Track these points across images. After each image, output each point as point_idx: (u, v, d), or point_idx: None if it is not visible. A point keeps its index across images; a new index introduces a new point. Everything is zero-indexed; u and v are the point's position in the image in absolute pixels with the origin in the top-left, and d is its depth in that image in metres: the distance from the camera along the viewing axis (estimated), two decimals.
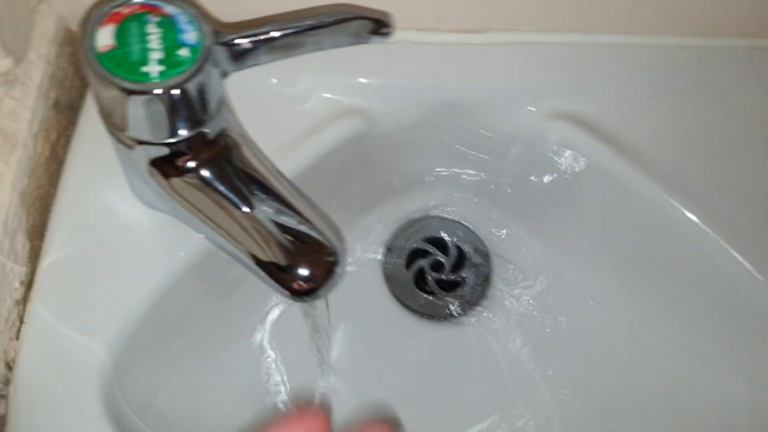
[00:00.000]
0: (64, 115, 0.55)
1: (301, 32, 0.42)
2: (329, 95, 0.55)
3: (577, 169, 0.57)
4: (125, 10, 0.40)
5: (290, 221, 0.42)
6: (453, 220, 0.66)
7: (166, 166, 0.43)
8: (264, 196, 0.43)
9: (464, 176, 0.64)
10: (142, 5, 0.40)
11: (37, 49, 0.50)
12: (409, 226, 0.66)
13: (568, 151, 0.57)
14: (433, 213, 0.66)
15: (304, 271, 0.41)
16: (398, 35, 0.53)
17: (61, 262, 0.48)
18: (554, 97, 0.57)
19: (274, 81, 0.54)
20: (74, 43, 0.56)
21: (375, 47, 0.53)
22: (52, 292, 0.47)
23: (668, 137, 0.57)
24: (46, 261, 0.48)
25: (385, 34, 0.44)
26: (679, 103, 0.58)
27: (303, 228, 0.42)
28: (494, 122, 0.58)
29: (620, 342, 0.59)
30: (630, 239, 0.58)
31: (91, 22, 0.39)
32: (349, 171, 0.58)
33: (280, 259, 0.41)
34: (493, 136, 0.59)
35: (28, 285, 0.48)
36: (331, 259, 0.41)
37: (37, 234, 0.50)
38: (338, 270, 0.41)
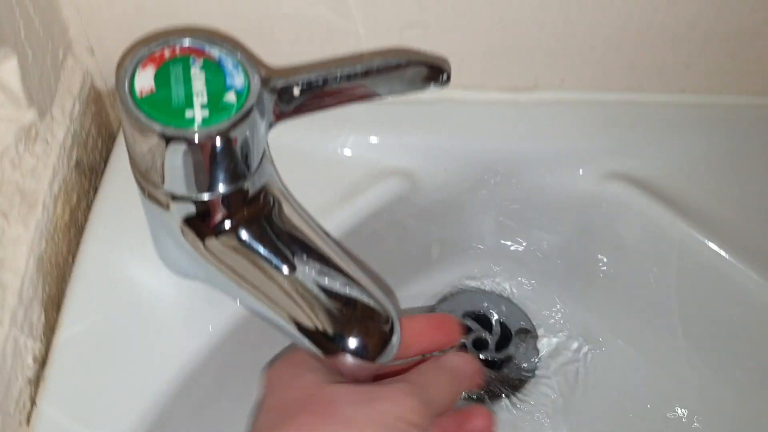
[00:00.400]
0: (85, 178, 0.51)
1: (353, 79, 0.38)
2: (371, 154, 0.52)
3: (633, 235, 0.53)
4: (167, 52, 0.36)
5: (338, 285, 0.38)
6: (496, 293, 0.61)
7: (202, 226, 0.39)
8: (308, 258, 0.39)
9: (509, 245, 0.60)
10: (186, 48, 0.37)
11: (61, 105, 0.47)
12: (449, 299, 0.61)
13: (623, 215, 0.53)
14: (474, 285, 0.61)
15: (354, 342, 0.36)
16: (443, 93, 0.50)
17: (77, 340, 0.43)
18: (606, 158, 0.54)
19: (314, 138, 0.51)
20: (99, 102, 0.53)
21: (419, 105, 0.50)
22: (66, 375, 0.42)
23: (725, 198, 0.53)
24: (61, 338, 0.43)
25: (444, 82, 0.40)
26: (734, 162, 0.55)
27: (352, 292, 0.38)
28: (543, 185, 0.55)
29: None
30: (693, 310, 0.53)
31: (130, 63, 0.36)
32: (387, 237, 0.54)
33: (328, 327, 0.37)
34: (541, 201, 0.55)
35: (42, 362, 0.43)
36: (384, 327, 0.37)
37: (52, 305, 0.45)
38: (394, 340, 0.37)
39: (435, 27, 0.48)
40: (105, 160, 0.54)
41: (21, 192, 0.43)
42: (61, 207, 0.47)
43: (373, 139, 0.52)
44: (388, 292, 0.54)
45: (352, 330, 0.36)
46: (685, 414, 0.54)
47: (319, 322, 0.37)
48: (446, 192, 0.54)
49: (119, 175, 0.49)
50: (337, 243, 0.40)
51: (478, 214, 0.57)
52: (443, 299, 0.61)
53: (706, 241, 0.50)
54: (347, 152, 0.52)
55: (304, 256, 0.39)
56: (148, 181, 0.38)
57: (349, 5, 0.46)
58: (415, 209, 0.54)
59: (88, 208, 0.51)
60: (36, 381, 0.42)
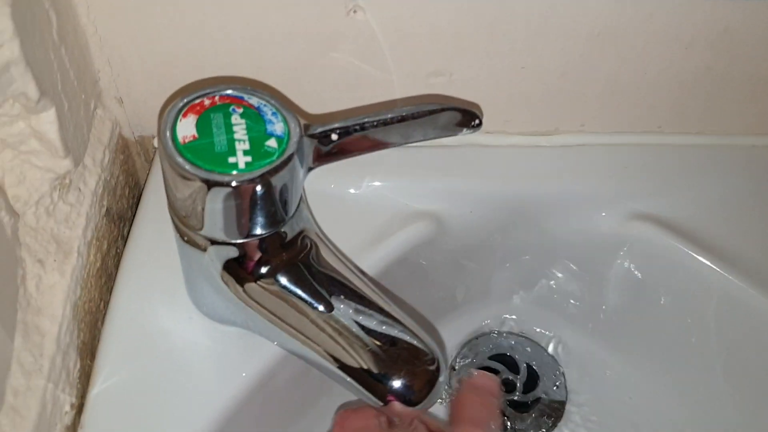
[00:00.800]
0: (114, 225, 0.51)
1: (389, 124, 0.39)
2: (398, 199, 0.52)
3: (659, 275, 0.54)
4: (207, 102, 0.37)
5: (381, 325, 0.38)
6: (521, 336, 0.61)
7: (241, 271, 0.40)
8: (349, 298, 0.39)
9: (533, 286, 0.60)
10: (225, 97, 0.38)
11: (92, 154, 0.48)
12: (474, 343, 0.61)
13: (649, 255, 0.53)
14: (499, 328, 0.62)
15: (399, 383, 0.37)
16: (467, 138, 0.51)
17: (113, 389, 0.43)
18: (628, 200, 0.54)
19: (342, 183, 0.51)
20: (126, 151, 0.54)
21: (444, 149, 0.51)
22: (102, 425, 0.42)
23: (747, 236, 0.53)
24: (97, 386, 0.43)
25: (475, 127, 0.41)
26: (754, 201, 0.55)
27: (396, 332, 0.38)
28: (566, 228, 0.55)
29: None
30: (725, 351, 0.53)
31: (171, 111, 0.36)
32: (414, 280, 0.54)
33: (373, 367, 0.37)
34: (566, 243, 0.56)
35: (79, 409, 0.43)
36: (430, 367, 0.37)
37: (87, 352, 0.45)
38: (440, 380, 0.37)
39: (459, 75, 0.50)
40: (132, 208, 0.55)
41: (56, 240, 0.44)
42: (93, 254, 0.47)
43: (400, 183, 0.53)
44: (431, 329, 0.54)
45: (398, 370, 0.36)
46: None
47: (364, 363, 0.37)
48: (472, 235, 0.55)
49: (149, 224, 0.49)
50: (376, 283, 0.40)
51: (503, 256, 0.58)
52: (467, 343, 0.61)
53: (734, 278, 0.50)
54: (375, 197, 0.52)
55: (345, 297, 0.39)
56: (187, 226, 0.38)
57: (385, 56, 0.47)
58: (442, 252, 0.54)
59: (117, 255, 0.51)
60: (73, 428, 0.42)
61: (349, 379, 0.38)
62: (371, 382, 0.37)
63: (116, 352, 0.44)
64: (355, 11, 0.45)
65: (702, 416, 0.55)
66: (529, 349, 0.61)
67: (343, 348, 0.38)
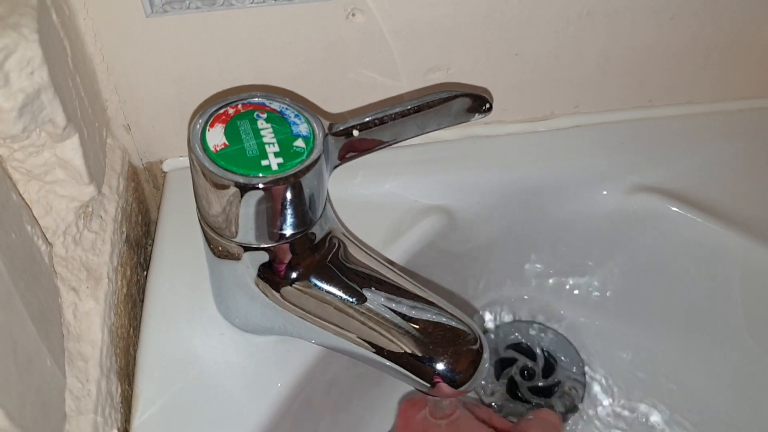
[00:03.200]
0: (134, 252, 0.52)
1: (406, 115, 0.40)
2: (407, 196, 0.53)
3: (667, 244, 0.55)
4: (231, 110, 0.38)
5: (420, 311, 0.39)
6: (539, 324, 0.62)
7: (275, 276, 0.40)
8: (384, 290, 0.40)
9: (546, 273, 0.61)
10: (248, 104, 0.39)
11: (108, 182, 0.48)
12: (491, 332, 0.62)
13: (654, 226, 0.55)
14: (511, 316, 0.63)
15: (445, 363, 0.37)
16: (466, 131, 0.52)
17: (154, 419, 0.43)
18: (627, 174, 0.56)
19: (351, 187, 0.52)
20: (136, 178, 0.54)
21: (444, 144, 0.53)
22: None
23: (746, 197, 0.55)
24: (138, 418, 0.43)
25: (486, 111, 0.43)
26: (746, 163, 0.57)
27: (435, 316, 0.39)
28: (571, 208, 0.57)
29: None
30: (745, 314, 0.55)
31: (198, 122, 0.37)
32: (430, 273, 0.55)
33: (416, 351, 0.38)
34: (573, 223, 0.57)
35: None
36: (473, 347, 0.38)
37: (124, 377, 0.46)
38: (485, 357, 0.38)
39: (456, 68, 0.51)
40: (145, 235, 0.55)
41: (86, 267, 0.44)
42: (120, 280, 0.47)
43: (408, 181, 0.54)
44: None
45: (442, 352, 0.37)
46: None
47: (407, 348, 0.38)
48: (481, 224, 0.56)
49: (168, 247, 0.50)
50: (408, 273, 0.41)
51: (512, 244, 0.59)
52: (484, 333, 0.62)
53: (744, 238, 0.52)
54: (385, 196, 0.53)
55: (380, 289, 0.40)
56: (221, 236, 0.39)
57: (388, 56, 0.48)
58: (454, 244, 0.55)
59: (138, 281, 0.52)
60: None
61: (395, 366, 0.38)
62: (417, 365, 0.38)
63: (153, 377, 0.44)
64: (353, 14, 0.46)
65: (727, 384, 0.56)
66: (543, 334, 0.62)
67: (386, 337, 0.38)
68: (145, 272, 0.53)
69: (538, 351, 0.62)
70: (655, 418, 0.57)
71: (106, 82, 0.48)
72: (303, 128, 0.38)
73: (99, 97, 0.48)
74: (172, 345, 0.46)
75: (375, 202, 0.53)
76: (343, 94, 0.50)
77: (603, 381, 0.60)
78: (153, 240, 0.52)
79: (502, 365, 0.61)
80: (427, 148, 0.55)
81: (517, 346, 0.62)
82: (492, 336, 0.62)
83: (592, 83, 0.54)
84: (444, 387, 0.37)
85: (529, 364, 0.61)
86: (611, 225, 0.56)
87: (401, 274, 0.41)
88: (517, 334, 0.62)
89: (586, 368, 0.60)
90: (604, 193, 0.56)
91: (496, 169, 0.56)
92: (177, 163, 0.54)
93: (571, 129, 0.56)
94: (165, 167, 0.54)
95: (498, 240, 0.58)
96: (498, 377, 0.60)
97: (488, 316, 0.62)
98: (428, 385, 0.38)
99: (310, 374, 0.46)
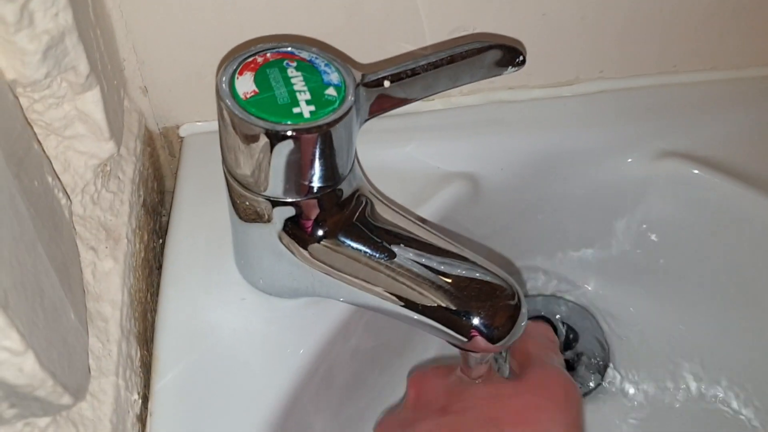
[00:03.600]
0: (150, 217, 0.51)
1: (439, 66, 0.39)
2: (429, 162, 0.52)
3: (695, 210, 0.54)
4: (260, 59, 0.37)
5: (455, 267, 0.38)
6: (563, 298, 0.61)
7: (302, 233, 0.39)
8: (416, 247, 0.39)
9: (571, 244, 0.60)
10: (277, 53, 0.37)
11: (126, 143, 0.47)
12: None
13: (681, 192, 0.54)
14: (533, 290, 0.62)
15: (481, 318, 0.36)
16: (490, 96, 0.51)
17: (174, 385, 0.42)
18: (653, 140, 0.55)
19: (373, 152, 0.51)
20: (152, 143, 0.53)
21: (468, 109, 0.52)
22: (169, 416, 0.41)
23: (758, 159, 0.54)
24: (159, 383, 0.42)
25: (520, 63, 0.41)
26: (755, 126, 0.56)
27: (471, 271, 0.38)
28: (596, 175, 0.56)
29: None
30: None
31: (227, 70, 0.36)
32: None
33: (452, 305, 0.37)
34: (596, 190, 0.56)
35: (144, 399, 0.42)
36: (511, 302, 0.37)
37: (142, 341, 0.44)
38: (523, 312, 0.37)
39: (482, 28, 0.50)
40: (160, 202, 0.54)
41: (104, 227, 0.43)
42: (138, 243, 0.46)
43: (430, 147, 0.53)
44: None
45: (479, 306, 0.36)
46: None
47: (443, 302, 0.37)
48: (505, 192, 0.55)
49: (186, 212, 0.49)
50: (440, 227, 0.40)
51: (536, 213, 0.58)
52: None
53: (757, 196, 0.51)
54: (407, 161, 0.52)
55: (411, 246, 0.39)
56: (248, 190, 0.38)
57: (415, 10, 0.47)
58: (477, 212, 0.54)
59: (154, 247, 0.51)
60: (142, 418, 0.41)
61: (430, 321, 0.37)
62: (453, 318, 0.37)
63: (173, 344, 0.43)
64: None
65: (753, 348, 0.55)
66: (564, 307, 0.61)
67: (419, 292, 0.37)
68: (161, 240, 0.52)
69: (559, 324, 0.60)
70: (690, 383, 0.56)
71: (124, 41, 0.47)
72: (334, 77, 0.37)
73: (117, 55, 0.47)
74: (192, 311, 0.44)
75: (395, 168, 0.52)
76: (368, 51, 0.49)
77: (627, 356, 0.59)
78: (168, 210, 0.51)
79: None
80: (449, 113, 0.54)
81: (538, 318, 0.61)
82: None
83: (618, 47, 0.53)
84: (480, 341, 0.36)
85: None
86: (637, 192, 0.55)
87: (433, 231, 0.40)
88: (538, 306, 0.61)
89: (609, 340, 0.59)
90: (629, 160, 0.55)
91: (520, 134, 0.55)
92: (194, 128, 0.53)
93: (595, 94, 0.55)
94: (182, 132, 0.53)
95: (522, 208, 0.57)
96: None
97: None
98: (464, 339, 0.36)
99: (333, 341, 0.45)
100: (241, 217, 0.40)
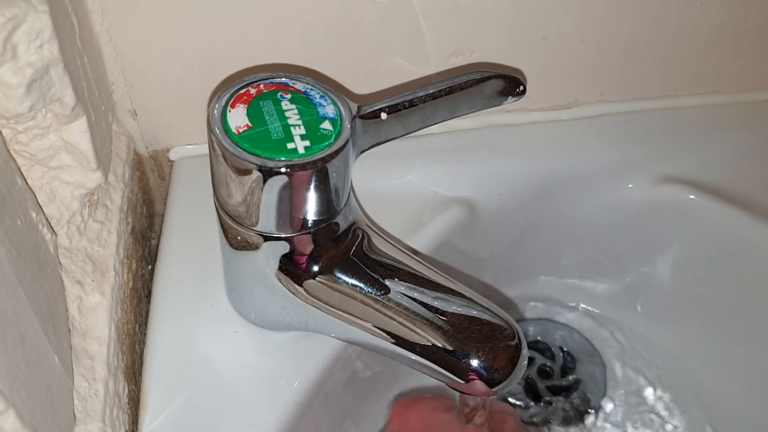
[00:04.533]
0: (139, 244, 0.49)
1: (437, 98, 0.38)
2: (426, 186, 0.51)
3: (696, 237, 0.53)
4: (253, 90, 0.36)
5: (453, 305, 0.37)
6: (559, 322, 0.60)
7: (297, 268, 0.38)
8: (414, 283, 0.38)
9: (569, 270, 0.59)
10: (271, 83, 0.36)
11: (114, 170, 0.46)
12: None
13: (682, 217, 0.53)
14: (531, 316, 0.60)
15: (481, 360, 0.35)
16: (487, 119, 0.50)
17: (166, 424, 0.40)
18: (654, 164, 0.54)
19: (371, 179, 0.50)
20: (141, 167, 0.51)
21: (465, 133, 0.50)
22: None
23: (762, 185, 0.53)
24: (149, 425, 0.40)
25: (520, 93, 0.40)
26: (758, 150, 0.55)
27: (470, 310, 0.36)
28: (595, 200, 0.54)
29: None
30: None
31: (219, 102, 0.35)
32: (450, 267, 0.53)
33: (450, 346, 0.35)
34: (595, 215, 0.55)
35: None
36: (511, 342, 0.35)
37: (131, 376, 0.43)
38: (524, 354, 0.35)
39: (480, 52, 0.49)
40: (149, 227, 0.53)
41: (91, 259, 0.41)
42: (126, 273, 0.45)
43: (428, 172, 0.52)
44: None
45: (478, 348, 0.35)
46: None
47: (440, 343, 0.35)
48: (503, 217, 0.54)
49: (176, 240, 0.47)
50: (437, 265, 0.39)
51: (534, 239, 0.57)
52: None
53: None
54: (404, 187, 0.51)
55: (409, 282, 0.37)
56: (240, 225, 0.37)
57: (417, 35, 0.46)
58: (475, 237, 0.53)
59: (143, 275, 0.49)
60: None
61: (426, 362, 0.36)
62: (451, 360, 0.35)
63: (162, 377, 0.42)
64: None
65: (751, 385, 0.54)
66: (560, 333, 0.60)
67: (416, 332, 0.36)
68: (150, 266, 0.51)
69: (556, 350, 0.59)
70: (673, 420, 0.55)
71: (113, 64, 0.45)
72: (329, 110, 0.36)
73: (105, 79, 0.45)
74: (182, 343, 0.43)
75: (393, 193, 0.50)
76: (361, 78, 0.48)
77: (624, 382, 0.57)
78: (157, 233, 0.50)
79: None
80: (447, 137, 0.52)
81: (535, 345, 0.59)
82: None
83: (618, 70, 0.52)
84: (478, 385, 0.35)
85: (548, 363, 0.59)
86: (637, 219, 0.54)
87: (430, 266, 0.38)
88: (534, 332, 0.60)
89: (607, 369, 0.58)
90: (630, 186, 0.54)
91: (518, 159, 0.54)
92: (184, 151, 0.51)
93: (595, 117, 0.54)
94: (172, 156, 0.51)
95: (520, 234, 0.56)
96: None
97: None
98: (462, 382, 0.35)
99: (328, 372, 0.44)
100: (232, 249, 0.39)
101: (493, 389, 0.35)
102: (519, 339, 0.35)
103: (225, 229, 0.38)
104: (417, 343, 0.36)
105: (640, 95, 0.55)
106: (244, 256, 0.39)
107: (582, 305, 0.60)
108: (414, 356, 0.36)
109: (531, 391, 0.58)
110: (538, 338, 0.60)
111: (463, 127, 0.53)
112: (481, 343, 0.35)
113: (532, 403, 0.57)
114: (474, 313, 0.36)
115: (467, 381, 0.35)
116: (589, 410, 0.56)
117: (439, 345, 0.35)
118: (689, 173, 0.54)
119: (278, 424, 0.41)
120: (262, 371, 0.42)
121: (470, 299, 0.37)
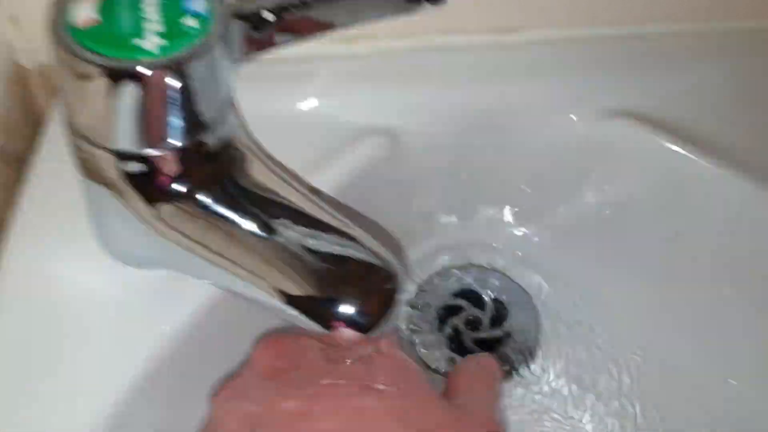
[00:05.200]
0: (12, 168, 0.43)
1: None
2: (343, 114, 0.46)
3: (640, 175, 0.49)
4: None
5: (328, 244, 0.32)
6: (486, 267, 0.55)
7: (153, 191, 0.32)
8: (287, 217, 0.33)
9: (502, 210, 0.54)
10: None
11: None
12: (435, 277, 0.54)
13: (629, 154, 0.48)
14: (466, 259, 0.55)
15: (347, 304, 0.31)
16: (419, 40, 0.45)
17: (12, 350, 0.36)
18: (602, 97, 0.49)
19: (276, 98, 0.44)
20: (24, 82, 0.45)
21: (393, 54, 0.45)
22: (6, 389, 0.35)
23: (729, 126, 0.48)
24: None
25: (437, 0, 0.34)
26: (732, 89, 0.50)
27: (347, 250, 0.32)
28: (534, 135, 0.49)
29: None
30: (721, 249, 0.48)
31: None
32: (366, 207, 0.47)
33: (314, 291, 0.31)
34: (533, 153, 0.50)
35: None
36: (386, 285, 0.31)
37: None
38: (397, 297, 0.31)
39: None
40: (32, 149, 0.47)
41: None
42: None
43: (347, 98, 0.46)
44: (396, 249, 0.47)
45: (346, 291, 0.31)
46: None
47: (303, 287, 0.31)
48: (431, 152, 0.48)
49: (50, 163, 0.41)
50: (330, 198, 0.34)
51: (466, 177, 0.52)
52: (429, 280, 0.54)
53: (717, 168, 0.46)
54: (315, 113, 0.46)
55: (281, 215, 0.33)
56: (89, 142, 0.31)
57: None
58: (397, 174, 0.48)
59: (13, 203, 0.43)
60: None
61: (286, 307, 0.31)
62: (313, 306, 0.31)
63: (11, 312, 0.37)
64: None
65: (698, 335, 0.50)
66: (497, 281, 0.55)
67: (280, 272, 0.31)
68: None
69: (486, 298, 0.54)
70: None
71: None
72: (199, 4, 0.30)
73: None
74: (38, 274, 0.38)
75: (294, 123, 0.45)
76: None
77: (559, 335, 0.53)
78: None
79: (447, 313, 0.53)
80: (368, 60, 0.47)
81: (464, 293, 0.54)
82: (437, 281, 0.54)
83: None
84: (345, 332, 0.31)
85: (478, 313, 0.54)
86: (580, 155, 0.49)
87: (315, 199, 0.33)
88: (465, 278, 0.55)
89: (542, 319, 0.53)
90: (574, 118, 0.49)
91: (450, 87, 0.48)
92: None
93: (540, 44, 0.49)
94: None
95: (450, 172, 0.51)
96: (440, 328, 0.53)
97: (437, 260, 0.54)
98: (324, 330, 0.31)
99: (206, 317, 0.39)
100: (83, 174, 0.33)
101: (359, 335, 0.31)
102: (396, 281, 0.31)
103: (74, 148, 0.33)
104: (279, 287, 0.31)
105: (591, 21, 0.49)
106: (95, 178, 0.33)
107: (518, 251, 0.55)
108: (274, 301, 0.31)
109: (457, 342, 0.53)
110: (470, 286, 0.54)
111: (387, 48, 0.47)
112: (352, 285, 0.31)
113: (457, 357, 0.52)
114: (352, 253, 0.31)
115: (330, 329, 0.31)
116: (518, 366, 0.51)
117: (304, 290, 0.31)
118: (640, 107, 0.48)
119: (138, 369, 0.36)
120: (126, 311, 0.38)
121: (352, 238, 0.31)
